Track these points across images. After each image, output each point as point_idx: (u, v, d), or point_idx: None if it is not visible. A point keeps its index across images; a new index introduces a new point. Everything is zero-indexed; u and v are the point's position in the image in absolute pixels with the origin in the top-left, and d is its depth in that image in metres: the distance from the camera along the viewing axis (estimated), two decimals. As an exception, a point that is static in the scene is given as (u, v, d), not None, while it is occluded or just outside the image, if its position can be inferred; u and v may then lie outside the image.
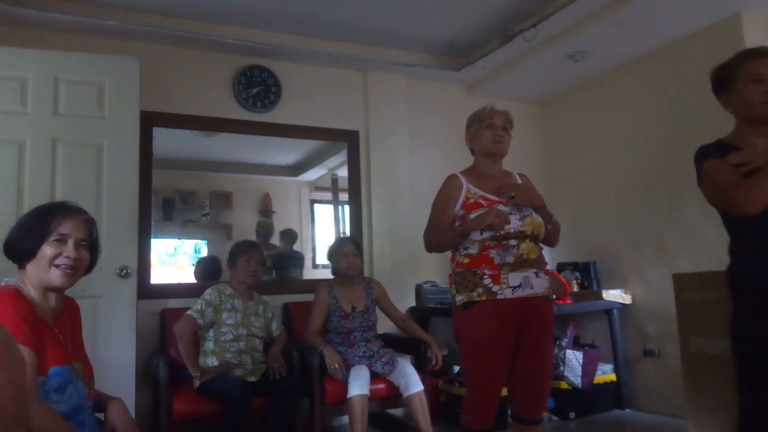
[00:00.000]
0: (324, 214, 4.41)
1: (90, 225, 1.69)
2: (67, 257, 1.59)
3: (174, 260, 3.92)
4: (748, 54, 1.78)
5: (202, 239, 4.05)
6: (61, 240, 1.60)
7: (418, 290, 4.09)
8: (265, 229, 4.11)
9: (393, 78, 4.24)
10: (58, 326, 1.63)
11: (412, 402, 2.97)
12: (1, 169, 2.85)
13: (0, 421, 0.78)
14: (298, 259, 4.13)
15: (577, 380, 3.71)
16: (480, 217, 2.10)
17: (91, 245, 1.69)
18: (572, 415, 3.73)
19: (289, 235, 4.16)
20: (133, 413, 2.18)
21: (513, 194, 2.17)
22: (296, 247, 4.17)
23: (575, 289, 4.08)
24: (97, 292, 2.82)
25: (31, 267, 1.59)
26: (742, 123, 1.82)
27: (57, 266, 1.59)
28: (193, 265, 3.91)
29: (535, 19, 3.58)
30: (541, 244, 2.24)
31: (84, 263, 1.66)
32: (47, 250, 1.58)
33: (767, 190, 1.65)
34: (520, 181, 2.34)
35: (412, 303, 4.09)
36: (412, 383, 2.99)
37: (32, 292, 1.60)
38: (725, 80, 1.83)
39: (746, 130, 1.81)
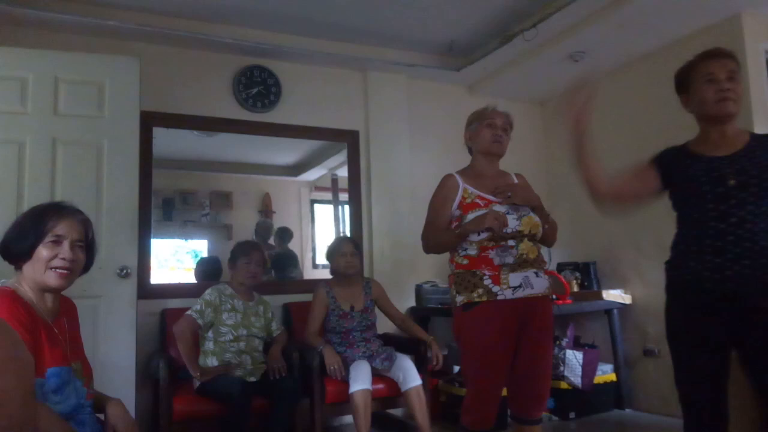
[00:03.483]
0: (324, 214, 4.41)
1: (86, 225, 1.69)
2: (63, 259, 1.59)
3: (172, 263, 3.91)
4: (703, 56, 1.86)
5: (202, 239, 4.05)
6: (57, 241, 1.60)
7: (418, 290, 4.08)
8: (264, 229, 4.10)
9: (393, 78, 4.24)
10: (56, 326, 1.63)
11: (410, 396, 2.96)
12: (1, 169, 2.84)
13: (9, 422, 0.78)
14: (292, 259, 4.13)
15: (577, 380, 3.71)
16: (478, 219, 2.10)
17: (87, 245, 1.68)
18: (572, 415, 3.73)
19: (285, 234, 4.16)
20: (133, 413, 2.19)
21: (509, 194, 2.17)
22: (296, 246, 4.16)
23: (575, 289, 4.08)
24: (97, 292, 2.82)
25: (28, 268, 1.59)
26: (701, 122, 1.91)
27: (53, 268, 1.59)
28: (185, 269, 3.91)
29: (535, 19, 3.58)
30: (539, 244, 2.24)
31: (80, 264, 1.66)
32: (43, 251, 1.58)
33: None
34: (516, 181, 2.34)
35: (412, 303, 4.09)
36: (411, 377, 2.98)
37: (29, 293, 1.60)
38: (684, 81, 1.93)
39: (704, 130, 1.90)
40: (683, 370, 1.84)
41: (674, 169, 1.89)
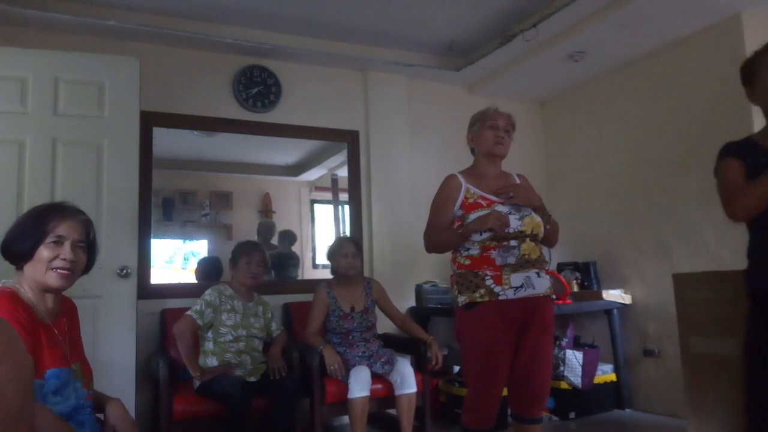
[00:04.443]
0: (324, 214, 4.41)
1: (87, 226, 1.69)
2: (64, 259, 1.59)
3: (171, 265, 3.91)
4: None
5: (202, 239, 4.05)
6: (58, 242, 1.60)
7: (418, 290, 4.08)
8: (266, 230, 4.11)
9: (393, 78, 4.23)
10: (56, 327, 1.63)
11: (401, 401, 2.99)
12: (1, 169, 2.84)
13: (5, 414, 0.78)
14: (294, 260, 4.13)
15: (577, 380, 3.71)
16: (480, 219, 2.10)
17: (88, 246, 1.68)
18: (572, 415, 3.72)
19: (288, 237, 4.16)
20: (133, 413, 2.19)
21: (511, 194, 2.17)
22: (296, 247, 4.16)
23: (575, 289, 4.08)
24: (97, 292, 2.82)
25: (29, 268, 1.59)
26: (766, 116, 1.81)
27: (54, 269, 1.58)
28: (174, 269, 3.90)
29: (535, 19, 3.58)
30: (540, 244, 2.24)
31: (81, 265, 1.66)
32: (44, 252, 1.58)
33: (759, 197, 1.64)
34: (518, 182, 2.35)
35: (412, 303, 4.09)
36: (407, 384, 3.00)
37: (29, 293, 1.59)
38: (749, 73, 1.83)
39: None
40: (760, 378, 1.70)
41: (751, 167, 1.73)
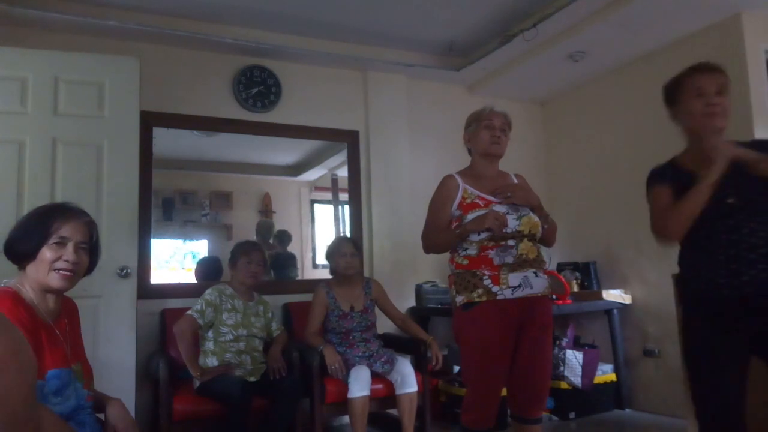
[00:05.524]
0: (324, 214, 4.40)
1: (90, 227, 1.69)
2: (67, 261, 1.59)
3: (171, 265, 3.91)
4: (692, 69, 1.86)
5: (202, 239, 4.05)
6: (61, 243, 1.60)
7: (418, 290, 4.09)
8: (265, 229, 4.10)
9: (393, 78, 4.24)
10: (57, 327, 1.63)
11: (402, 401, 3.00)
12: (1, 169, 2.85)
13: (11, 419, 0.78)
14: (290, 259, 4.13)
15: (577, 380, 3.71)
16: (478, 219, 2.10)
17: (91, 248, 1.69)
18: (572, 415, 3.73)
19: (284, 237, 4.16)
20: (133, 413, 2.19)
21: (509, 194, 2.18)
22: (295, 247, 4.16)
23: (575, 289, 4.08)
24: (97, 292, 2.82)
25: (31, 268, 1.59)
26: (688, 135, 1.92)
27: (56, 270, 1.59)
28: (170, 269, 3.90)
29: (535, 19, 3.58)
30: (538, 244, 2.24)
31: (83, 266, 1.66)
32: (47, 253, 1.58)
33: (683, 215, 1.74)
34: (516, 182, 2.35)
35: (412, 303, 4.09)
36: (408, 383, 3.01)
37: (31, 293, 1.60)
38: (673, 95, 1.92)
39: (692, 143, 1.89)
40: (704, 381, 1.77)
41: (677, 189, 1.83)
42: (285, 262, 4.10)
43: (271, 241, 4.12)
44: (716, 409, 1.72)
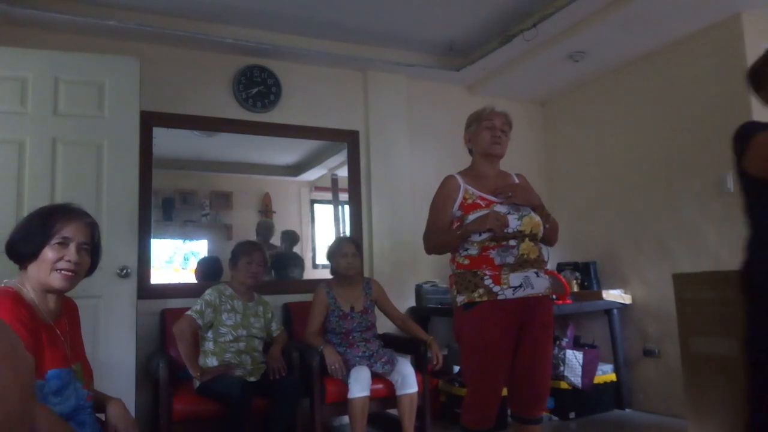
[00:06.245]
0: (324, 214, 4.40)
1: (92, 228, 1.69)
2: (69, 261, 1.60)
3: (170, 266, 3.91)
4: None
5: (202, 239, 4.05)
6: (64, 243, 1.60)
7: (418, 290, 4.08)
8: (265, 229, 4.10)
9: (393, 78, 4.24)
10: (57, 327, 1.63)
11: (402, 401, 3.00)
12: (1, 169, 2.84)
13: (6, 418, 0.78)
14: (297, 261, 4.13)
15: (577, 380, 3.71)
16: (479, 219, 2.10)
17: (92, 249, 1.69)
18: (572, 415, 3.73)
19: (290, 237, 4.16)
20: (133, 413, 2.18)
21: (510, 194, 2.18)
22: (296, 248, 4.16)
23: (575, 289, 4.08)
24: (97, 292, 2.82)
25: (33, 269, 1.59)
26: None
27: (58, 270, 1.59)
28: (185, 269, 3.90)
29: (535, 19, 3.58)
30: (540, 244, 2.24)
31: (85, 267, 1.66)
32: (49, 253, 1.58)
33: None
34: (517, 181, 2.35)
35: (412, 303, 4.09)
36: (408, 383, 3.01)
37: (32, 293, 1.60)
38: (759, 78, 1.83)
39: None
40: None
41: None
42: (287, 262, 4.10)
43: (272, 241, 4.11)
44: None
